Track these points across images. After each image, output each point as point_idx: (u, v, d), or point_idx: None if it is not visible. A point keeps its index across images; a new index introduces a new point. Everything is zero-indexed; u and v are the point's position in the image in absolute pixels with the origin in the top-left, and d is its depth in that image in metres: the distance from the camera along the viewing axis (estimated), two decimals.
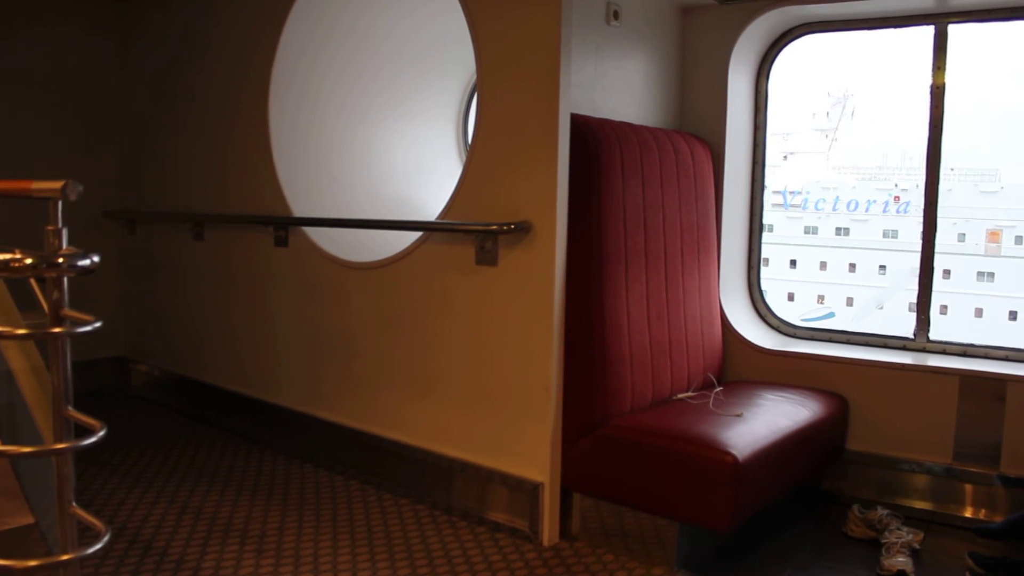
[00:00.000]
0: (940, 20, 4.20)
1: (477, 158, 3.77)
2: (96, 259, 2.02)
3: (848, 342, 4.50)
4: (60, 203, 2.02)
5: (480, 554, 3.45)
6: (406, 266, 4.10)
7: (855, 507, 3.86)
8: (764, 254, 4.86)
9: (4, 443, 2.89)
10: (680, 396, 4.01)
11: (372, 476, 4.31)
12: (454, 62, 5.35)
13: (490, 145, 3.71)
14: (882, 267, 20.11)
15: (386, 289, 4.22)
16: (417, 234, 4.09)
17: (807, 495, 4.21)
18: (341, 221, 4.65)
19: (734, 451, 3.18)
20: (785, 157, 22.18)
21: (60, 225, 2.02)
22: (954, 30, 4.20)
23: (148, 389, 5.99)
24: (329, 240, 4.59)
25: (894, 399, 4.10)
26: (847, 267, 20.64)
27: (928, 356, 4.23)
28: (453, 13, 3.89)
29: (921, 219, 4.32)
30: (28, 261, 1.92)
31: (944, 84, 4.20)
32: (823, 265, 20.86)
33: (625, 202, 3.76)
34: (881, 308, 19.45)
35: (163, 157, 5.73)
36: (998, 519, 3.82)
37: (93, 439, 2.04)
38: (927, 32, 4.27)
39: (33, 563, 2.05)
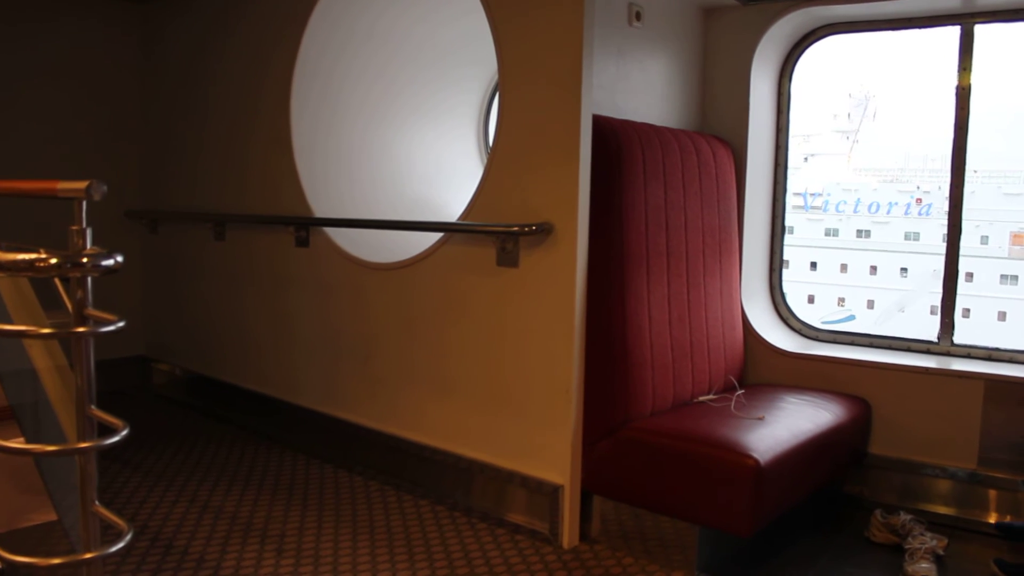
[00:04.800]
0: (966, 20, 4.15)
1: (498, 159, 3.76)
2: (120, 259, 2.02)
3: (871, 345, 4.46)
4: (84, 203, 2.03)
5: (500, 556, 3.44)
6: (427, 267, 4.10)
7: (877, 512, 3.83)
8: (784, 256, 4.83)
9: (28, 441, 2.91)
10: (701, 399, 3.99)
11: (391, 477, 4.31)
12: (475, 62, 5.35)
13: (511, 146, 3.71)
14: (903, 270, 20.00)
15: (406, 290, 4.22)
16: (438, 235, 4.09)
17: (829, 499, 4.18)
18: (361, 222, 4.66)
19: (755, 455, 3.16)
20: (806, 159, 22.09)
21: (84, 225, 2.03)
22: (980, 30, 4.16)
23: (169, 388, 6.02)
24: (349, 241, 4.60)
25: (918, 403, 4.06)
26: (868, 269, 20.54)
27: (952, 360, 4.18)
28: (474, 14, 3.88)
29: (944, 221, 4.28)
30: (53, 261, 1.93)
31: (970, 85, 4.16)
32: (844, 267, 20.77)
33: (647, 203, 3.74)
34: (903, 311, 19.32)
35: (185, 157, 5.76)
36: None
37: (116, 438, 2.05)
38: (952, 32, 4.23)
39: (56, 561, 2.07)
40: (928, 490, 4.04)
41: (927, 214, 19.95)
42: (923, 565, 3.42)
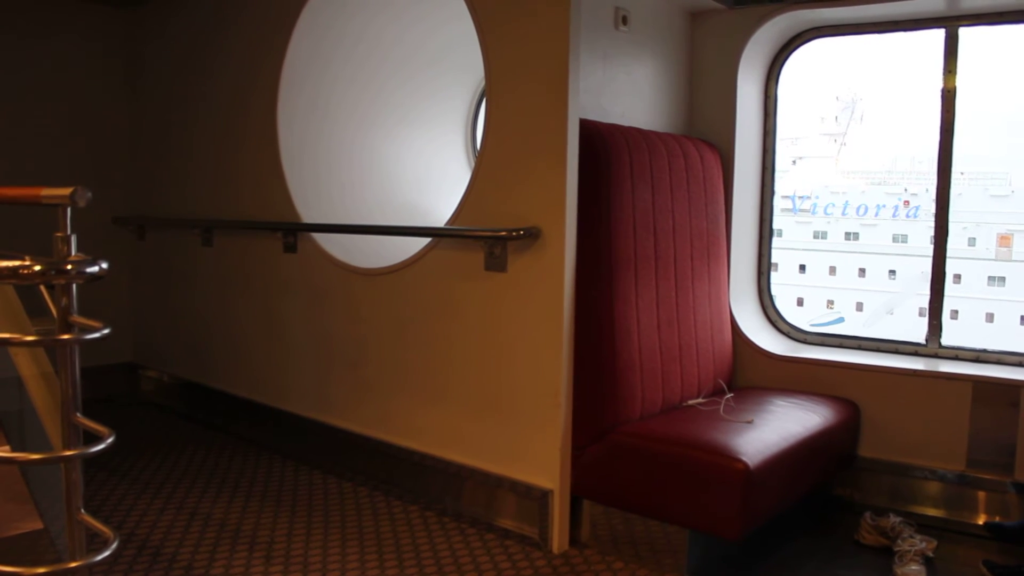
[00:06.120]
0: (951, 23, 4.18)
1: (486, 164, 3.76)
2: (104, 266, 2.02)
3: (859, 348, 4.48)
4: (69, 210, 2.02)
5: (490, 561, 3.43)
6: (415, 272, 4.10)
7: (867, 514, 3.83)
8: (773, 259, 4.84)
9: (14, 449, 2.89)
10: (690, 402, 3.99)
11: (381, 482, 4.30)
12: (462, 68, 5.35)
13: (499, 151, 3.70)
14: (892, 272, 20.04)
15: (395, 295, 4.22)
16: (426, 240, 4.08)
17: (819, 502, 4.18)
18: (350, 227, 4.65)
19: (745, 458, 3.16)
20: (794, 161, 22.14)
21: (69, 232, 2.02)
22: (964, 33, 4.18)
23: (157, 395, 5.99)
24: (338, 246, 4.59)
25: (906, 405, 4.07)
26: (856, 272, 20.58)
27: (940, 362, 4.20)
28: (462, 20, 3.88)
29: (931, 224, 4.29)
30: (37, 268, 1.92)
31: (955, 88, 4.18)
32: (832, 270, 20.80)
33: (634, 207, 3.74)
34: (891, 313, 19.37)
35: (172, 163, 5.74)
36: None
37: (102, 446, 2.04)
38: (937, 35, 4.25)
39: (42, 570, 2.05)
40: (917, 492, 4.05)
41: (915, 216, 20.00)
42: (913, 567, 3.43)
